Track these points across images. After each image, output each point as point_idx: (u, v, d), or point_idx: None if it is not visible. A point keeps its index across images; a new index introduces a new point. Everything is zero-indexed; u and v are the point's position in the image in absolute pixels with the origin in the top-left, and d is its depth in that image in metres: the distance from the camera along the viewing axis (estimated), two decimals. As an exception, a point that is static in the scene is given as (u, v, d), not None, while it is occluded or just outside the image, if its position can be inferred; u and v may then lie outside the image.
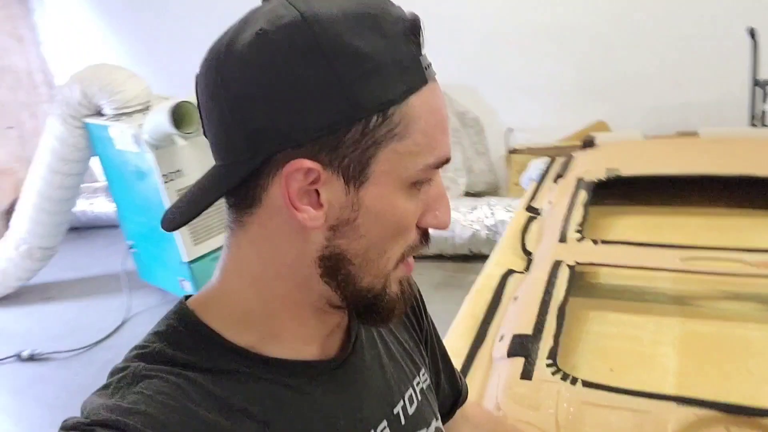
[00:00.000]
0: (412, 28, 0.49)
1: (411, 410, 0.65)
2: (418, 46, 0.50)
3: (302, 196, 0.49)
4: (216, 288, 0.56)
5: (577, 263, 1.50)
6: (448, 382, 0.80)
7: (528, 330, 1.24)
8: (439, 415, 0.72)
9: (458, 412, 0.83)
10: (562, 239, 1.64)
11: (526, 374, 1.12)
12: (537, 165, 2.51)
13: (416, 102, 0.49)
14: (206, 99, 0.50)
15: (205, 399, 0.50)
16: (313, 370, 0.57)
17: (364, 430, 0.59)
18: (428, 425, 0.67)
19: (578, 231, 1.67)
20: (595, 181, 1.97)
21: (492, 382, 1.16)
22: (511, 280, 1.57)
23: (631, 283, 1.52)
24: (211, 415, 0.49)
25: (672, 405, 1.00)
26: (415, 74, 0.49)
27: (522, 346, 1.19)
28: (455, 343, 1.31)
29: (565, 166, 2.27)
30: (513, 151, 3.85)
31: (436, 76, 0.52)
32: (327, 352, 0.59)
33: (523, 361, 1.15)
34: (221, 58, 0.48)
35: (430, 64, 0.51)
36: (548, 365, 1.13)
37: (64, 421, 0.48)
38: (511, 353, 1.19)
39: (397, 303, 0.56)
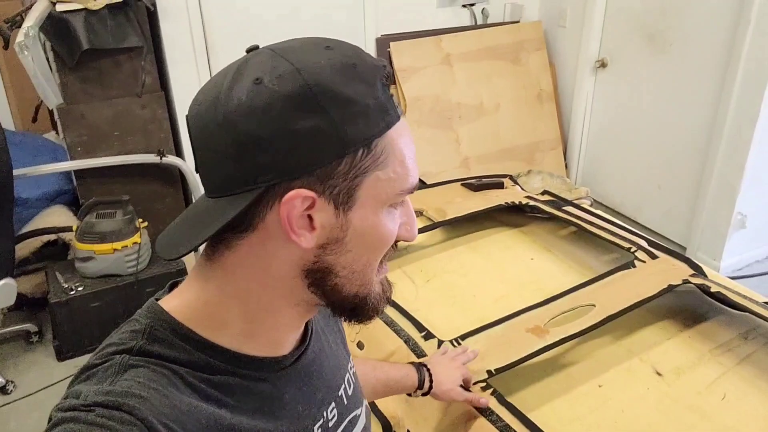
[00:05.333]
0: (385, 73, 0.57)
1: (350, 391, 0.76)
2: (389, 87, 0.58)
3: (298, 221, 0.56)
4: (192, 297, 0.61)
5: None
6: None
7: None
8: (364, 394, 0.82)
9: None
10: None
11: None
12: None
13: (393, 135, 0.57)
14: (205, 137, 0.56)
15: (187, 387, 0.56)
16: (279, 365, 0.65)
17: (318, 412, 0.69)
18: (362, 404, 0.79)
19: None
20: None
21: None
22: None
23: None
24: (194, 400, 0.55)
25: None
26: (391, 112, 0.57)
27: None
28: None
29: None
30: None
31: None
32: (290, 346, 0.67)
33: None
34: (222, 102, 0.54)
35: (399, 103, 0.59)
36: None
37: (57, 405, 0.52)
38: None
39: (380, 302, 0.65)
